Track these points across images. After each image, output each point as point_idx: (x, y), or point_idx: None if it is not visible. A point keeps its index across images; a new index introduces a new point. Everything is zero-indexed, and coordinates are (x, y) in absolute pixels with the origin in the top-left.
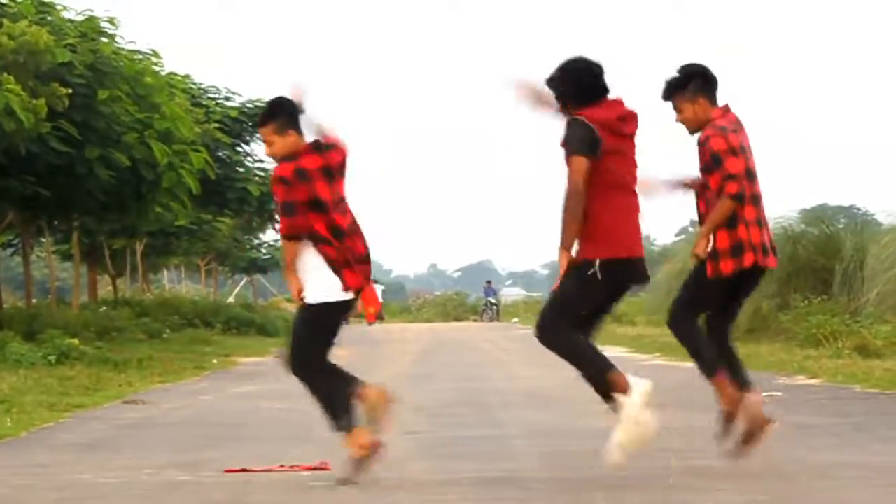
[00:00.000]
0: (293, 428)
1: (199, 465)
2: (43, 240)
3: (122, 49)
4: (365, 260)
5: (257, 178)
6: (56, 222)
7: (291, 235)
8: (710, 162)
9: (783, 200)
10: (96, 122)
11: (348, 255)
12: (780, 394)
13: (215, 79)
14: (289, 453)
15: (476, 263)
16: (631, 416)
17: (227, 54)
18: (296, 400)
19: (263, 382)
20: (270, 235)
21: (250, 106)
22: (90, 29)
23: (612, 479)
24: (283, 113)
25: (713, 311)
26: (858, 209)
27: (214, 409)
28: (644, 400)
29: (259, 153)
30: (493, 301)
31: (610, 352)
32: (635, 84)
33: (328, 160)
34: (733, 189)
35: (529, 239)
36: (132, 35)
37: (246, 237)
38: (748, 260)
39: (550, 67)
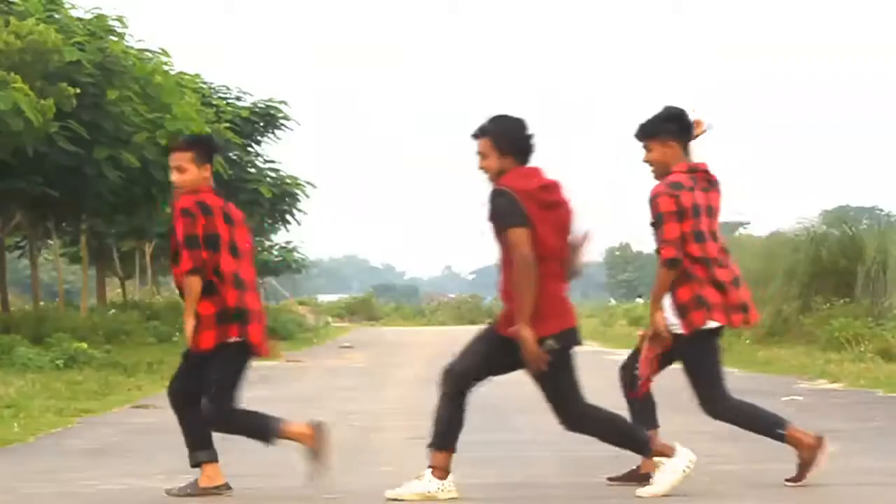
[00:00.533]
0: None
1: None
2: (51, 242)
3: (132, 48)
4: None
5: (269, 180)
6: (64, 224)
7: (196, 269)
8: (655, 221)
9: (805, 202)
10: (105, 122)
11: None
12: (801, 398)
13: (226, 78)
14: (298, 458)
15: (491, 265)
16: (668, 482)
17: (238, 54)
18: (305, 404)
19: (274, 386)
20: (282, 237)
21: (261, 106)
22: (99, 27)
23: (629, 485)
24: (207, 146)
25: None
26: (881, 210)
27: None
28: (685, 469)
29: (271, 154)
30: None
31: (625, 355)
32: (635, 85)
33: (227, 207)
34: (667, 254)
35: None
36: (141, 34)
37: (257, 239)
38: (716, 316)
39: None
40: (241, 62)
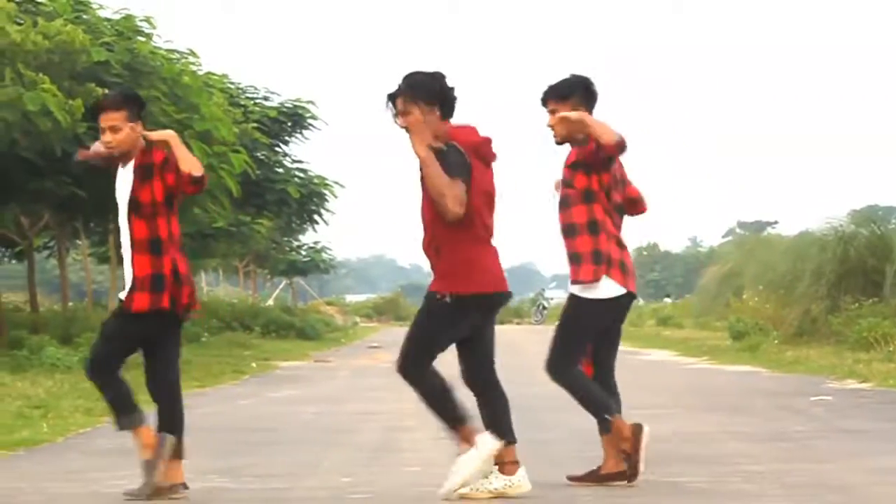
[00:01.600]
0: (330, 433)
1: (236, 470)
2: (79, 242)
3: (160, 48)
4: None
5: (297, 180)
6: (92, 224)
7: None
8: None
9: (833, 201)
10: None
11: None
12: (830, 398)
13: (254, 78)
14: (326, 458)
15: (518, 266)
16: (465, 473)
17: (266, 53)
18: (332, 404)
19: (302, 387)
20: (310, 237)
21: (289, 105)
22: (127, 28)
23: (658, 486)
24: (137, 105)
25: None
26: None
27: (253, 413)
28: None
29: (298, 154)
30: (544, 305)
31: (657, 355)
32: (635, 84)
33: None
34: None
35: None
36: (169, 34)
37: (285, 239)
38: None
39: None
40: (268, 62)
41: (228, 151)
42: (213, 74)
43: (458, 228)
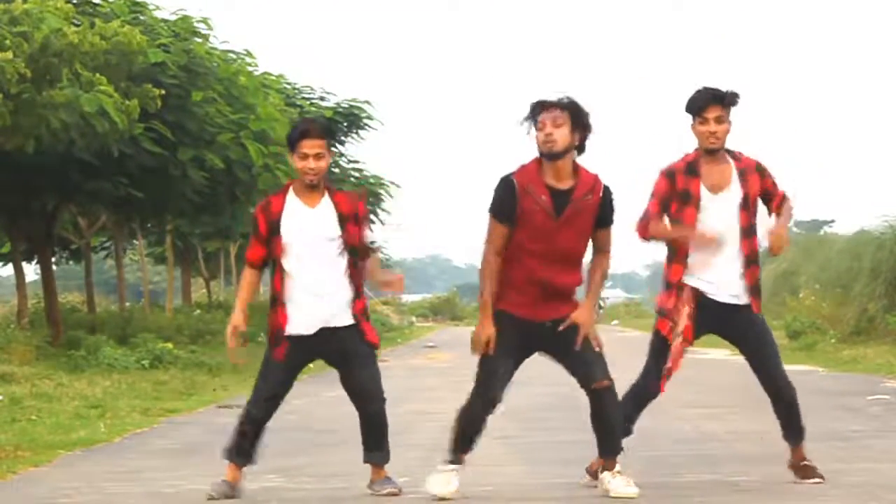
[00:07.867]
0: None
1: (293, 470)
2: (136, 242)
3: (216, 49)
4: None
5: (352, 180)
6: (149, 224)
7: None
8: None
9: (890, 199)
10: (190, 123)
11: None
12: (887, 397)
13: (310, 79)
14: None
15: None
16: None
17: (322, 54)
18: (391, 405)
19: None
20: (368, 237)
21: (345, 106)
22: (183, 29)
23: (714, 485)
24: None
25: None
26: None
27: (308, 413)
28: None
29: (354, 154)
30: (601, 304)
31: (712, 354)
32: (635, 84)
33: None
34: None
35: (628, 240)
36: (226, 34)
37: None
38: None
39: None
40: (325, 62)
41: (285, 152)
42: (270, 75)
43: None
